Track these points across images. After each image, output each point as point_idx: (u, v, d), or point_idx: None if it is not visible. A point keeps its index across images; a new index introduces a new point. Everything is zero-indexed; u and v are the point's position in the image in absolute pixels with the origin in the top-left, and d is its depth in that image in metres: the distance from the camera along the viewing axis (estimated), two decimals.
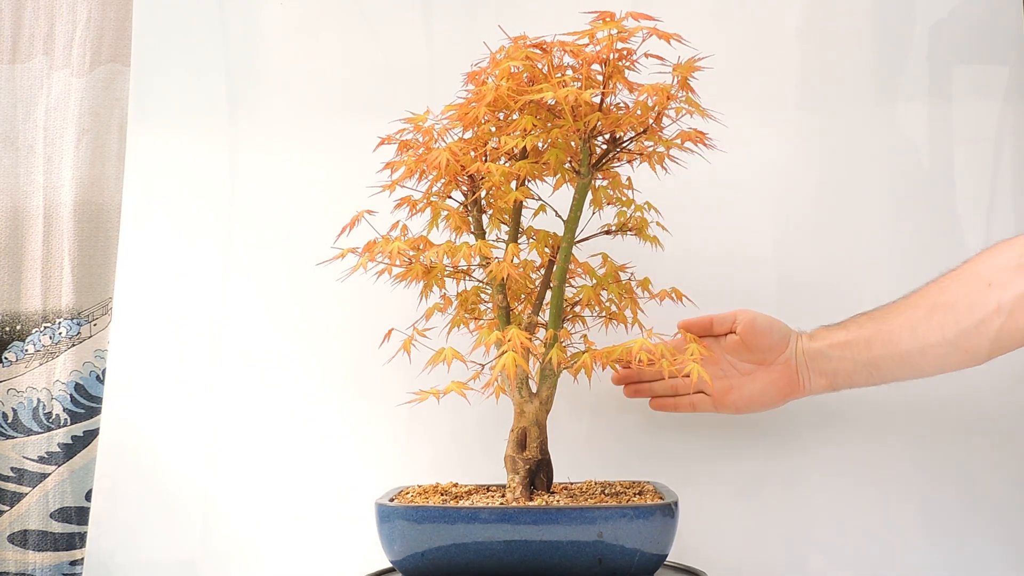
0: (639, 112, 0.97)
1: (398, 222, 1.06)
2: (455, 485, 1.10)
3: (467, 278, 1.07)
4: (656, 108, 0.97)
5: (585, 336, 1.09)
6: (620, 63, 0.97)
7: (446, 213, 1.04)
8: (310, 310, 1.33)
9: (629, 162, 1.06)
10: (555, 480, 1.05)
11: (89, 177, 1.44)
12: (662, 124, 0.99)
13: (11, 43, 1.48)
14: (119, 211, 1.38)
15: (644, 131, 0.98)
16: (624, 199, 1.10)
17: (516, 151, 0.99)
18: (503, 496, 1.01)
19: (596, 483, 1.09)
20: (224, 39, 1.39)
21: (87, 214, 1.44)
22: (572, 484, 1.10)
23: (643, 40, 0.95)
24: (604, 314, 1.09)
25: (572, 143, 1.00)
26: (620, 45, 0.95)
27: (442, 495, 1.04)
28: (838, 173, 1.33)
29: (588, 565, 0.91)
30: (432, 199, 1.05)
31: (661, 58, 0.97)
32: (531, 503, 0.97)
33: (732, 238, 1.32)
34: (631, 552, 0.92)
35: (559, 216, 1.03)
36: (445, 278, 1.05)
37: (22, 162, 1.47)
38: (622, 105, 1.00)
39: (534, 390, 1.02)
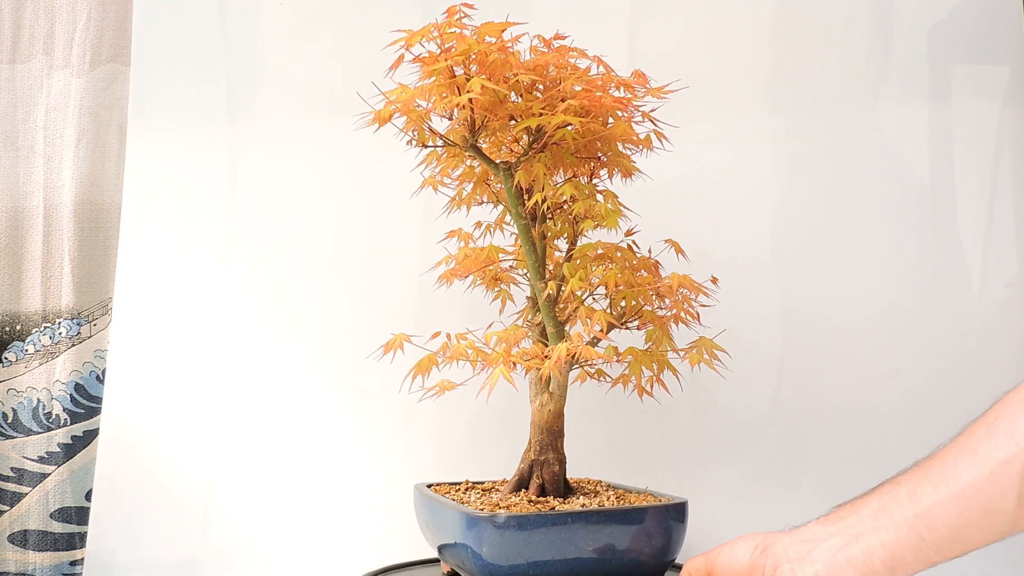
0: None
1: (480, 222, 1.09)
2: (472, 485, 1.10)
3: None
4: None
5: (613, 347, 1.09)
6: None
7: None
8: (310, 309, 1.33)
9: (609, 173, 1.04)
10: (569, 480, 1.05)
11: (89, 177, 1.44)
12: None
13: (11, 43, 1.47)
14: (119, 211, 1.38)
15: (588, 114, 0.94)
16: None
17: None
18: (514, 496, 1.00)
19: (609, 485, 1.09)
20: (224, 39, 1.39)
21: (87, 214, 1.44)
22: (585, 485, 1.10)
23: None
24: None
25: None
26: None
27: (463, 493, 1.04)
28: (838, 172, 1.33)
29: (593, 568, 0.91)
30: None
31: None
32: (540, 506, 0.97)
33: (735, 237, 1.32)
34: (637, 554, 0.92)
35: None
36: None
37: (22, 162, 1.46)
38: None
39: (549, 391, 1.01)
